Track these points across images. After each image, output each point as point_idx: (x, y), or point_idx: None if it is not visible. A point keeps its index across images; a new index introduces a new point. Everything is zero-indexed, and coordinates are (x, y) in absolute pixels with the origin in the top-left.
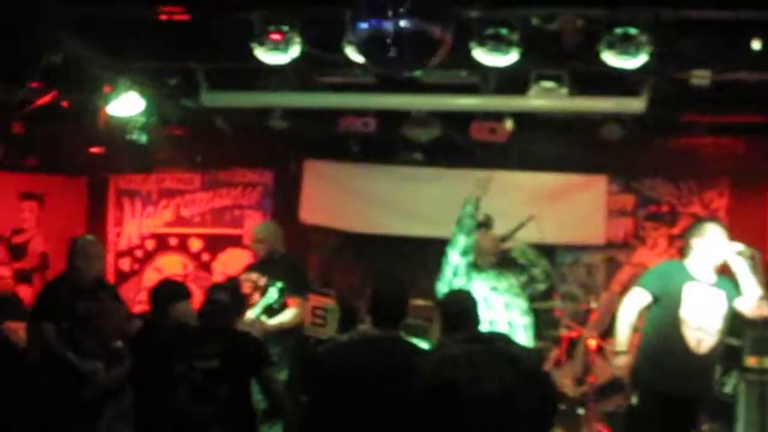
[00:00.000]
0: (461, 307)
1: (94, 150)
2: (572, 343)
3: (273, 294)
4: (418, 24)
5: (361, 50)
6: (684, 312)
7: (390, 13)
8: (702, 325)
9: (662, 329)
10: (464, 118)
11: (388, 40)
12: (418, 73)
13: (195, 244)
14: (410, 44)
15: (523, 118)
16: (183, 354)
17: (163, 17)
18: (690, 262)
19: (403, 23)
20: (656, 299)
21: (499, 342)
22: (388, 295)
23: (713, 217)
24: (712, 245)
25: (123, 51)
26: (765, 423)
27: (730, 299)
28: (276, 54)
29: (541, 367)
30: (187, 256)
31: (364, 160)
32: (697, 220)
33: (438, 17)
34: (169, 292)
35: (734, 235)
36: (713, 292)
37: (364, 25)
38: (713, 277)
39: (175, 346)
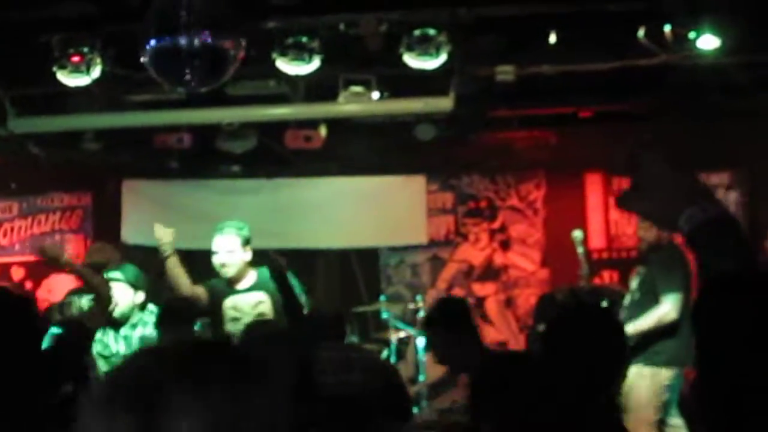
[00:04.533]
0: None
1: None
2: (402, 344)
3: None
4: (209, 39)
5: (153, 67)
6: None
7: (180, 28)
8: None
9: None
10: (278, 127)
11: (179, 56)
12: (225, 86)
13: (17, 273)
14: (202, 59)
15: (337, 124)
16: None
17: None
18: None
19: (193, 39)
20: None
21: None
22: None
23: None
24: None
25: None
26: None
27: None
28: (78, 76)
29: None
30: (10, 286)
31: (182, 176)
32: None
33: (229, 31)
34: None
35: (554, 224)
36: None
37: (154, 42)
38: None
39: None
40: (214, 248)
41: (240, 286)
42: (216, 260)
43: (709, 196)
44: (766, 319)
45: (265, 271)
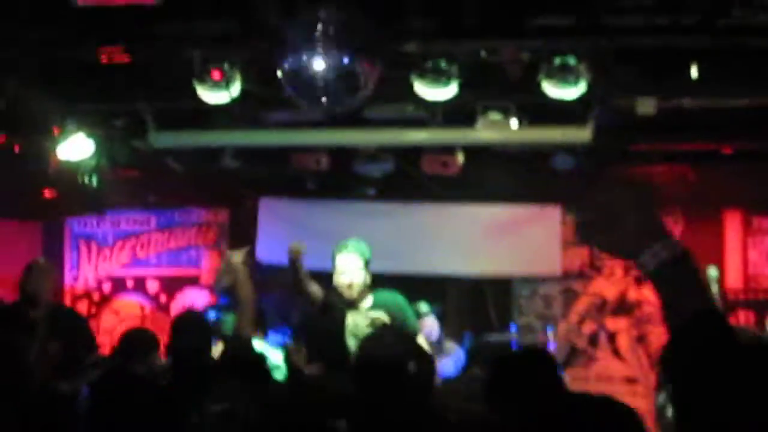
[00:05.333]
0: None
1: (47, 194)
2: None
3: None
4: (345, 59)
5: (289, 86)
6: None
7: (317, 48)
8: None
9: None
10: (416, 152)
11: (315, 77)
12: (364, 109)
13: (152, 286)
14: (338, 81)
15: (474, 151)
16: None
17: (104, 58)
18: None
19: (329, 59)
20: None
21: None
22: None
23: None
24: None
25: (68, 93)
26: None
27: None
28: (218, 92)
29: None
30: (145, 298)
31: (318, 196)
32: None
33: (365, 51)
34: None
35: None
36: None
37: (290, 61)
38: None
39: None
40: (338, 267)
41: (361, 306)
42: (342, 280)
43: (670, 234)
44: (735, 366)
45: (382, 295)
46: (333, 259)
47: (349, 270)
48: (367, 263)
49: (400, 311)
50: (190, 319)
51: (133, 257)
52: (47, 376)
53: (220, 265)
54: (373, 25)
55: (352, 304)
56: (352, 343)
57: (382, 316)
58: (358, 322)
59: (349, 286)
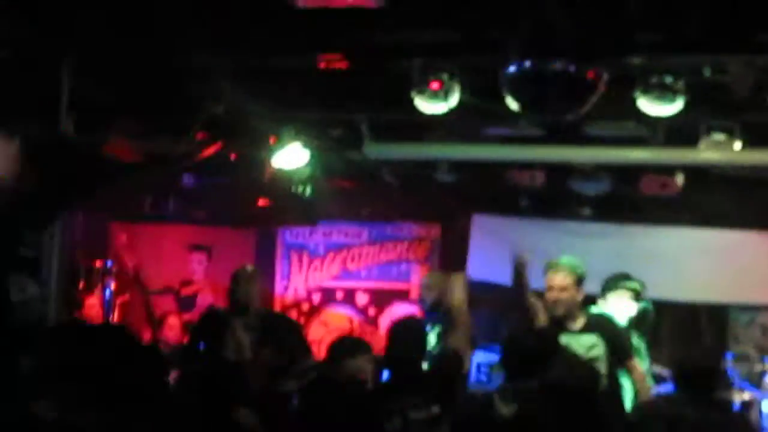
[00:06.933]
0: None
1: (261, 202)
2: (745, 406)
3: (431, 339)
4: (573, 66)
5: (512, 92)
6: None
7: (546, 53)
8: None
9: None
10: (633, 171)
11: (541, 81)
12: (582, 124)
13: (362, 298)
14: (563, 86)
15: (694, 172)
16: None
17: (322, 65)
18: None
19: (557, 64)
20: None
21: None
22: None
23: None
24: None
25: (284, 100)
26: None
27: None
28: (435, 102)
29: None
30: (354, 310)
31: (531, 214)
32: None
33: (594, 60)
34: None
35: None
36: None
37: (515, 66)
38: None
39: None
40: (547, 283)
41: (571, 326)
42: (548, 296)
43: None
44: None
45: (595, 317)
46: (544, 276)
47: (557, 287)
48: (579, 281)
49: (617, 336)
50: (408, 327)
51: (343, 269)
52: (260, 380)
53: (422, 281)
54: (600, 33)
55: (560, 323)
56: None
57: (596, 341)
58: (571, 344)
59: (555, 302)
